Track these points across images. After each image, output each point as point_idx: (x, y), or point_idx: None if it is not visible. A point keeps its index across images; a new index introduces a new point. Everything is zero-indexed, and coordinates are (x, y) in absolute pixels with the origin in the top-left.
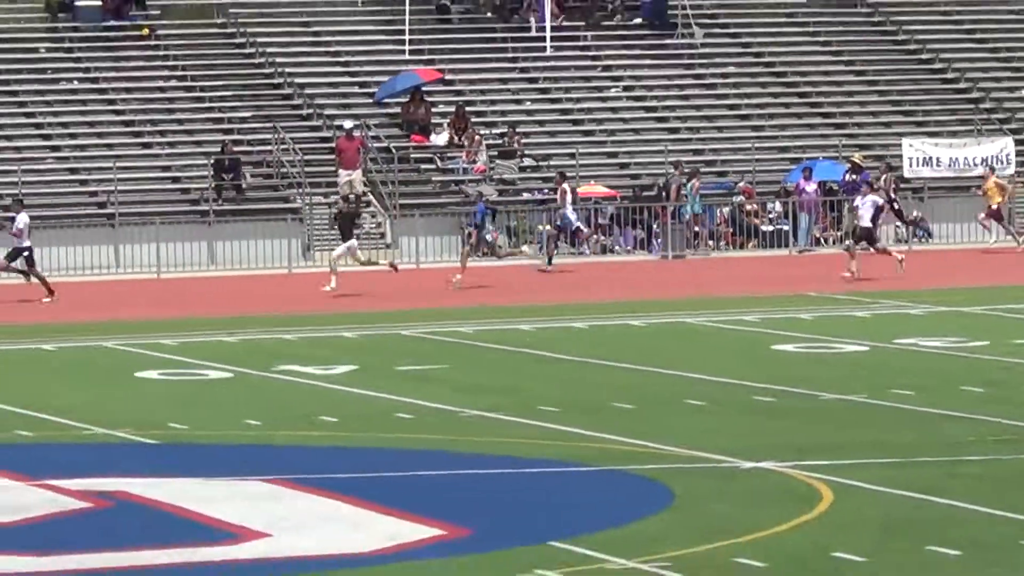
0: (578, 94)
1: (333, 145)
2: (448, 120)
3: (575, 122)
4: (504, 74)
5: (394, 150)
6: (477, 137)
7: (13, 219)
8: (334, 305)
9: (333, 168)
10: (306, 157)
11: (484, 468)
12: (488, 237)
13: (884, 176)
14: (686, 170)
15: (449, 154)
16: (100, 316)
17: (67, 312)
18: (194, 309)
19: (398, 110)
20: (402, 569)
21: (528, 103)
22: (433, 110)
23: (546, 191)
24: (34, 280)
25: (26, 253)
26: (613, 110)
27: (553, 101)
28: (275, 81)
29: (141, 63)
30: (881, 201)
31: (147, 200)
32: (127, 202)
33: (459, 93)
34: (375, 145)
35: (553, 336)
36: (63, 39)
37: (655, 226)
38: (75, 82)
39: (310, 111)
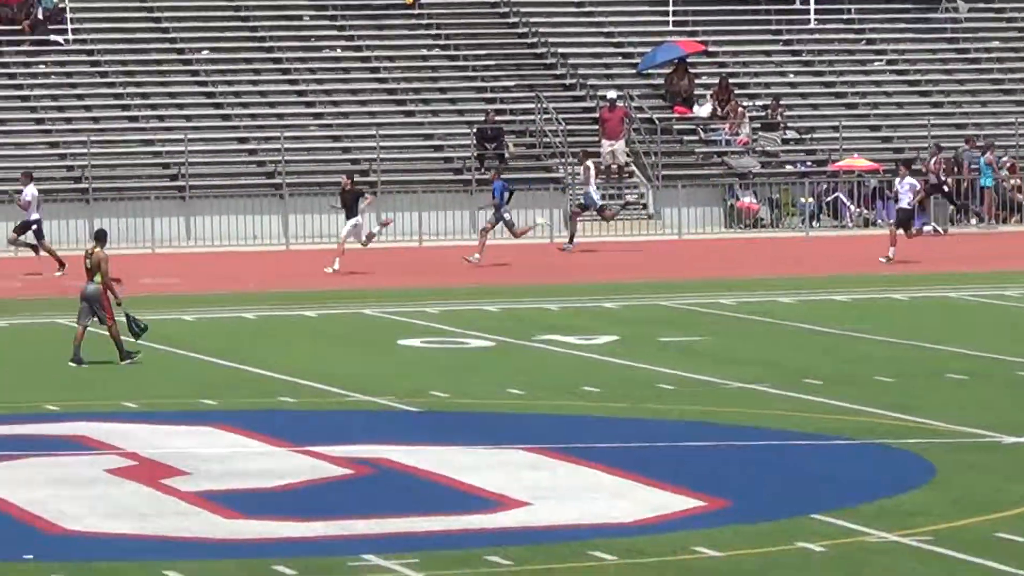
0: (841, 67)
1: (596, 115)
2: (711, 92)
3: (838, 95)
4: (768, 46)
5: (657, 121)
6: (740, 109)
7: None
8: (596, 275)
9: (596, 138)
10: (569, 127)
11: (745, 440)
12: (505, 216)
13: (934, 158)
14: (979, 144)
15: (712, 126)
16: (362, 284)
17: (330, 279)
18: (456, 278)
19: (661, 81)
20: (664, 540)
21: (791, 76)
22: (696, 82)
23: (809, 163)
24: (43, 254)
25: (35, 227)
26: (876, 83)
27: (816, 74)
28: (539, 51)
29: (405, 32)
30: (919, 184)
31: (409, 168)
32: (389, 170)
33: (722, 65)
34: (638, 116)
35: (815, 308)
36: (327, 7)
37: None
38: (339, 50)
39: (573, 81)
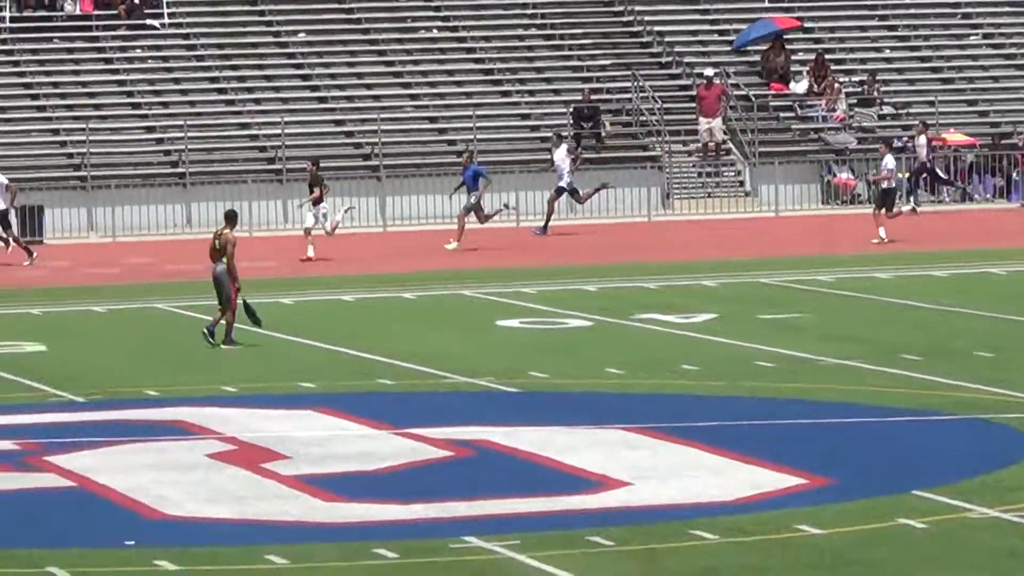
0: (937, 41)
1: (693, 93)
2: (807, 68)
3: (934, 70)
4: (863, 22)
5: (753, 98)
6: (836, 85)
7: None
8: (693, 254)
9: (693, 116)
10: (665, 105)
11: (845, 417)
12: (473, 199)
13: (921, 136)
14: None
15: (808, 102)
16: (461, 264)
17: (426, 261)
18: (554, 257)
19: (757, 58)
20: (766, 518)
21: (887, 51)
22: (792, 58)
23: (906, 139)
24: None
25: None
26: (972, 58)
27: (912, 49)
28: (635, 29)
29: (501, 11)
30: (892, 165)
31: (506, 148)
32: (486, 151)
33: (818, 41)
34: (735, 93)
35: (913, 284)
36: None
37: (1015, 174)
38: (435, 31)
39: (669, 59)
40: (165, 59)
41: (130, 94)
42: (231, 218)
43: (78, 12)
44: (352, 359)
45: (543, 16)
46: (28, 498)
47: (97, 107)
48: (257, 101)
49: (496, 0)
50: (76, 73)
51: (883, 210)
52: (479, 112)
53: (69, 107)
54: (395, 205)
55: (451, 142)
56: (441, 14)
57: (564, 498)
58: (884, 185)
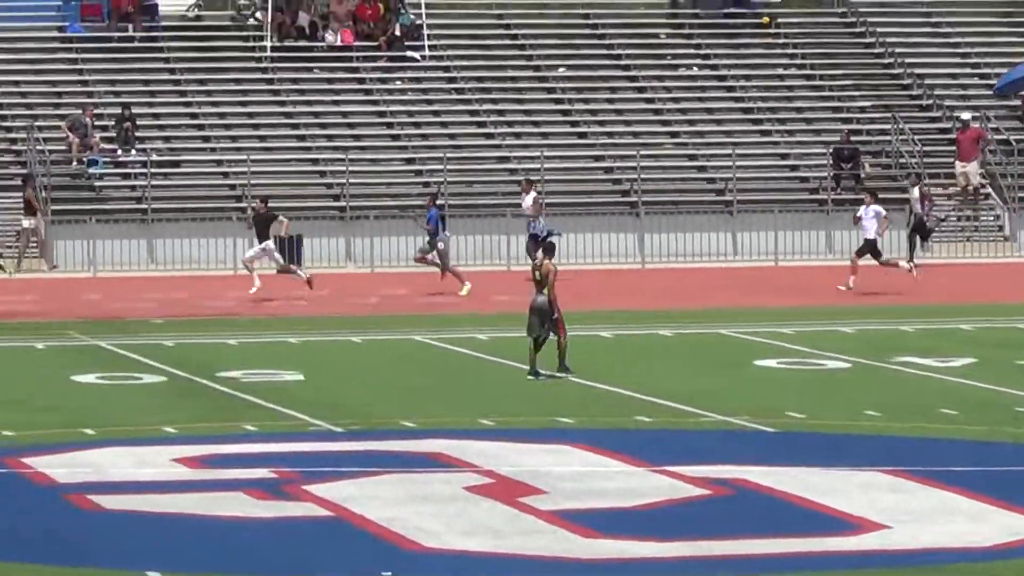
0: None
1: (952, 136)
2: None
3: None
4: None
5: (1013, 143)
6: None
7: None
8: (951, 297)
9: (952, 159)
10: (924, 148)
11: None
12: (440, 245)
13: (916, 187)
14: None
15: None
16: (718, 303)
17: (684, 299)
18: (811, 298)
19: (1018, 103)
20: (1022, 566)
21: None
22: None
23: None
24: None
25: None
26: None
27: None
28: (895, 71)
29: (761, 51)
30: (884, 212)
31: (765, 188)
32: (745, 189)
33: None
34: (994, 137)
35: None
36: (684, 25)
37: None
38: (695, 68)
39: (929, 101)
40: (425, 91)
41: (389, 125)
42: (549, 249)
43: (339, 43)
44: (609, 395)
45: (803, 56)
46: (285, 527)
47: (357, 138)
48: (517, 135)
49: (756, 39)
50: (336, 103)
51: (866, 258)
52: (738, 151)
53: (329, 137)
54: (653, 241)
55: (710, 180)
56: (701, 52)
57: (823, 539)
58: (871, 234)
